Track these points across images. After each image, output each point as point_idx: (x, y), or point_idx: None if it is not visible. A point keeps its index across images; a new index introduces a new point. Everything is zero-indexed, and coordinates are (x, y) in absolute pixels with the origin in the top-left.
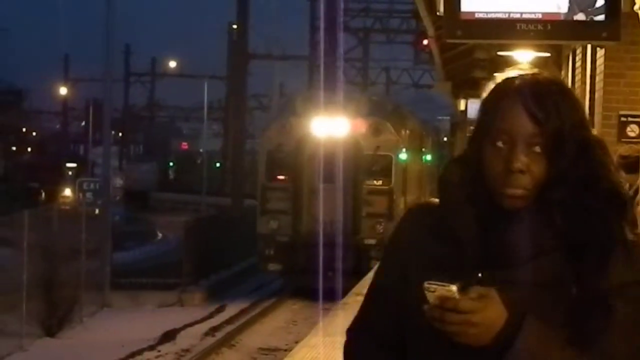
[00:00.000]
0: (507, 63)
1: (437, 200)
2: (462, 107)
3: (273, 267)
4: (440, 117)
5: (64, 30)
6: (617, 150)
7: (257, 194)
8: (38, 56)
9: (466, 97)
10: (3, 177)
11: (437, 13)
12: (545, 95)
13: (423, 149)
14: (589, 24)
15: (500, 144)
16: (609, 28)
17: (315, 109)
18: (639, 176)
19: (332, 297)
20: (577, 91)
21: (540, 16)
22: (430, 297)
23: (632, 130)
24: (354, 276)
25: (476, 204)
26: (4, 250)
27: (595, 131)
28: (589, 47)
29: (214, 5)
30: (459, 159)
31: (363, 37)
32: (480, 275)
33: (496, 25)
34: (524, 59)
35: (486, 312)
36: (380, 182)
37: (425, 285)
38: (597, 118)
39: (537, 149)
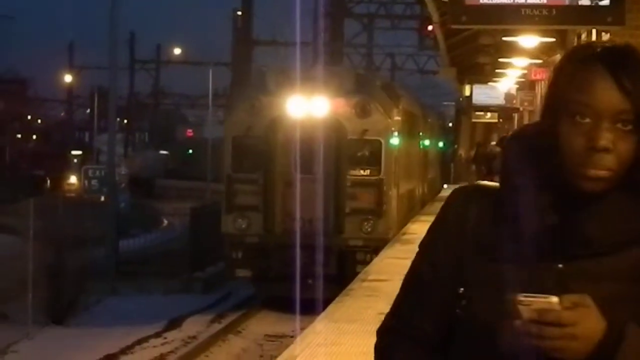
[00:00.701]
0: (512, 48)
1: (493, 183)
2: (467, 92)
3: (242, 273)
4: (445, 103)
5: (68, 18)
6: None
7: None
8: (43, 44)
9: (471, 83)
10: (9, 165)
11: None
12: (633, 65)
13: (421, 133)
14: (594, 9)
15: (580, 118)
16: (613, 13)
17: (290, 86)
18: None
19: (311, 308)
20: None
21: (545, 1)
22: (525, 310)
23: None
24: (337, 283)
25: (549, 187)
26: (9, 238)
27: None
28: (594, 31)
29: None
30: (526, 135)
31: (367, 23)
32: (560, 266)
33: (501, 11)
34: (529, 44)
35: (587, 322)
36: (367, 172)
37: (520, 298)
38: None
39: (625, 125)
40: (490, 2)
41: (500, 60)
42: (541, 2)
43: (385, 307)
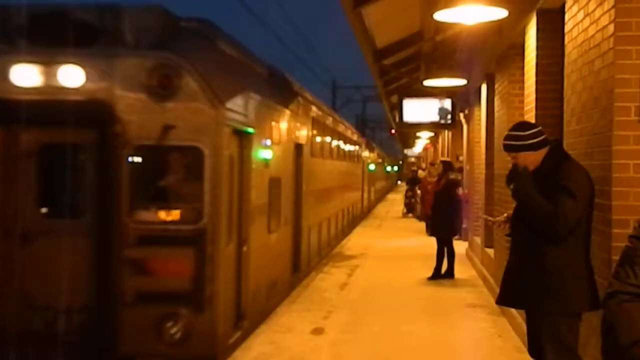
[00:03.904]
0: (419, 136)
1: None
2: (405, 151)
3: None
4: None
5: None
6: (458, 157)
7: None
8: None
9: (406, 147)
10: None
11: (396, 120)
12: None
13: (360, 156)
14: (445, 124)
15: None
16: (453, 125)
17: (10, 41)
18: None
19: None
20: (445, 146)
21: (418, 122)
22: None
23: (461, 158)
24: None
25: None
26: None
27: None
28: (446, 131)
29: None
30: None
31: (372, 130)
32: None
33: (415, 124)
34: (425, 135)
35: None
36: (173, 217)
37: None
38: (450, 153)
39: None
40: (411, 122)
41: (416, 140)
42: (427, 122)
43: (392, 208)
